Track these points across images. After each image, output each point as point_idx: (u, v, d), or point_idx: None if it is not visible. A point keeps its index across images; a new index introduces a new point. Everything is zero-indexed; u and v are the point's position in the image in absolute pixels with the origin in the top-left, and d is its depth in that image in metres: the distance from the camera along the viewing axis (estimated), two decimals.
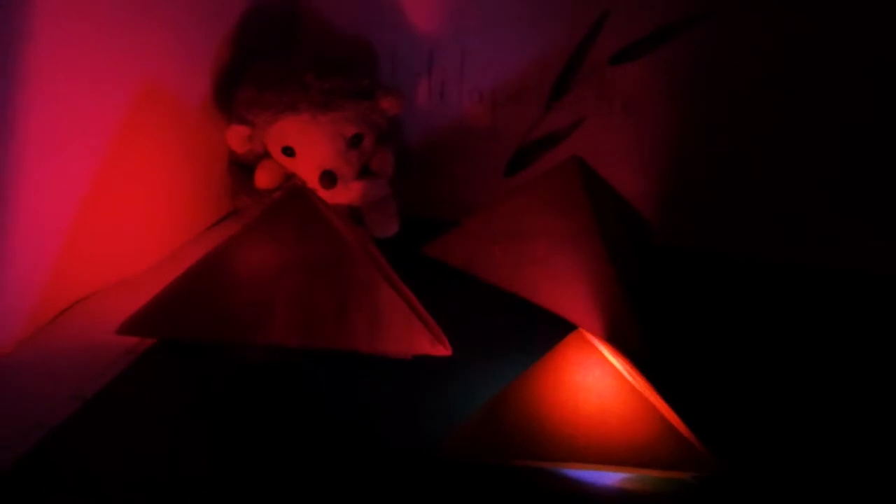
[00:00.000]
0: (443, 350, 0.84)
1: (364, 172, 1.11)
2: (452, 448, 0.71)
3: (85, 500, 0.67)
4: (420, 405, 0.80)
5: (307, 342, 0.84)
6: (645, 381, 0.74)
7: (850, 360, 0.88)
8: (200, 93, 1.10)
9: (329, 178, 1.05)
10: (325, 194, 1.04)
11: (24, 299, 0.87)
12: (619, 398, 0.69)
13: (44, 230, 0.87)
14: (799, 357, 0.89)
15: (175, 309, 0.84)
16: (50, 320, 0.90)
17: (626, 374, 0.70)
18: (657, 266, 1.01)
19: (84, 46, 0.87)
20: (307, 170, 1.07)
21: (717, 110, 1.08)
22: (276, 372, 0.85)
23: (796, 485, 0.70)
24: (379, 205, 1.13)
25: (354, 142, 1.08)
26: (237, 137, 1.07)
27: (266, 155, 1.10)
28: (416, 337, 0.84)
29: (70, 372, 0.81)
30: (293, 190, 0.91)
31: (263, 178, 1.09)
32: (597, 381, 0.69)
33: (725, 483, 0.68)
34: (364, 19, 1.19)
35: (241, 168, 1.12)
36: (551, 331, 0.77)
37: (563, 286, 0.91)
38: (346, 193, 1.09)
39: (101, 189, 0.93)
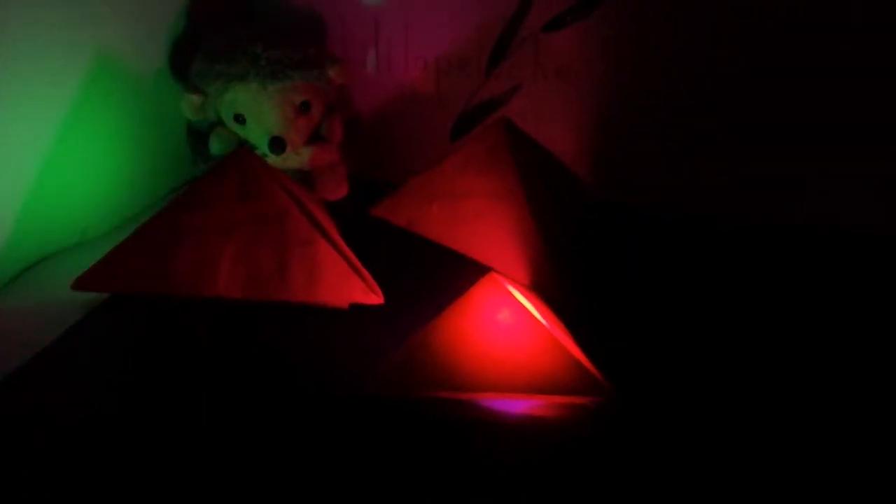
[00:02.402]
0: (375, 298, 0.91)
1: (314, 138, 1.17)
2: (378, 383, 0.78)
3: (37, 443, 0.74)
4: (353, 345, 0.87)
5: (250, 294, 0.90)
6: (556, 320, 0.81)
7: (758, 309, 0.94)
8: (157, 61, 1.15)
9: (278, 144, 1.11)
10: (275, 160, 1.10)
11: None
12: (526, 333, 0.76)
13: (3, 192, 0.93)
14: (711, 305, 0.95)
15: (126, 264, 0.90)
16: (11, 278, 0.96)
17: (533, 311, 0.77)
18: (587, 219, 1.07)
19: (37, 13, 0.92)
20: (258, 136, 1.12)
21: (645, 72, 1.13)
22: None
23: (683, 410, 0.77)
24: (328, 169, 1.18)
25: (303, 109, 1.13)
26: (190, 106, 1.12)
27: (219, 122, 1.15)
28: (350, 287, 0.91)
29: (29, 325, 0.88)
30: (237, 152, 0.97)
31: (217, 144, 1.14)
32: (506, 318, 0.76)
33: (619, 408, 0.75)
34: None
35: (198, 135, 1.18)
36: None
37: (492, 240, 0.97)
38: (297, 158, 1.15)
39: (60, 153, 0.99)
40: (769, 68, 1.08)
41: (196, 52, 1.15)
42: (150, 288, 0.90)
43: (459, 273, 0.93)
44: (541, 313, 0.79)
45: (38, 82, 0.95)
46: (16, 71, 0.91)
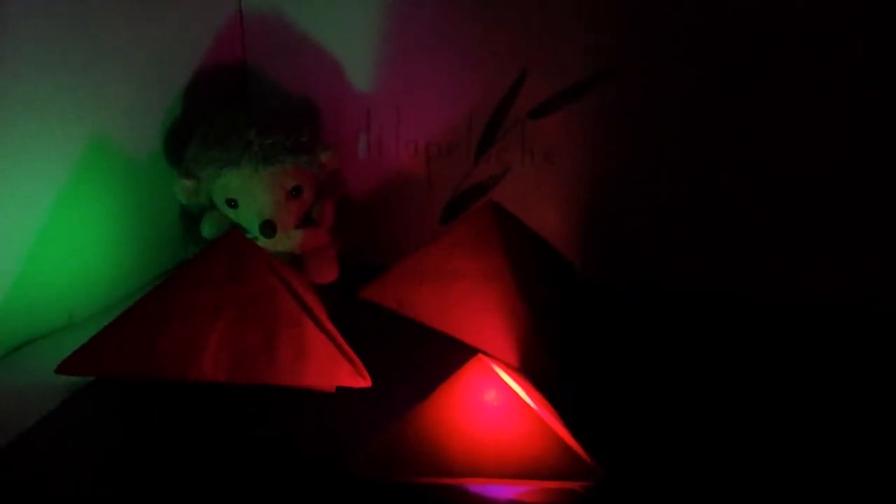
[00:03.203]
0: (362, 382, 0.90)
1: (305, 221, 1.18)
2: (362, 467, 0.76)
3: None
4: (339, 427, 0.85)
5: (236, 377, 0.89)
6: (545, 401, 0.80)
7: (755, 388, 0.93)
8: (150, 144, 1.17)
9: (269, 228, 1.12)
10: (265, 243, 1.11)
11: None
12: (515, 416, 0.74)
13: None
14: (704, 384, 0.94)
15: (111, 347, 0.89)
16: None
17: (522, 393, 0.76)
18: (577, 300, 1.07)
19: (31, 94, 0.94)
20: (249, 220, 1.13)
21: (632, 154, 1.16)
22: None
23: (676, 495, 0.76)
24: (319, 252, 1.19)
25: (294, 193, 1.15)
26: (183, 191, 1.14)
27: (212, 206, 1.17)
28: (337, 370, 0.90)
29: (12, 407, 0.87)
30: (228, 234, 0.98)
31: (209, 227, 1.15)
32: (494, 401, 0.75)
33: (611, 493, 0.73)
34: (306, 80, 1.28)
35: (191, 218, 1.19)
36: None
37: (481, 322, 0.97)
38: (287, 242, 1.16)
39: (49, 234, 1.00)
40: (756, 147, 1.11)
41: (191, 137, 1.17)
42: (135, 371, 0.89)
43: (448, 355, 0.92)
44: (530, 396, 0.78)
45: (30, 162, 0.96)
46: (7, 150, 0.92)
